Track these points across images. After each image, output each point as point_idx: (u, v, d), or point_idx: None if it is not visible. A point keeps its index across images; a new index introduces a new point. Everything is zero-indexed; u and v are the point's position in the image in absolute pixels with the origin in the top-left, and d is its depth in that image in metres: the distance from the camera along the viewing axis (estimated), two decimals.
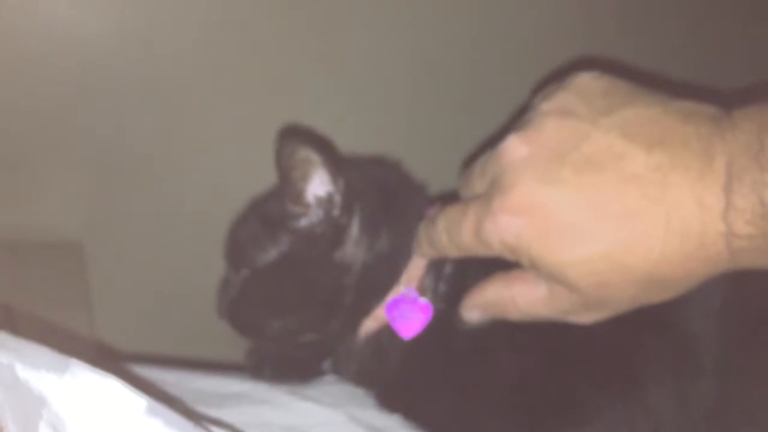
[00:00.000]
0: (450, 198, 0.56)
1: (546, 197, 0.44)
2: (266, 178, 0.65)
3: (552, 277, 0.46)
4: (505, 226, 0.46)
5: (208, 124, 0.82)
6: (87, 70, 0.76)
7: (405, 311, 0.60)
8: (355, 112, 0.89)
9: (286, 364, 0.65)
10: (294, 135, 0.60)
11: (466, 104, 0.94)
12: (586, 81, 0.48)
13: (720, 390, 0.56)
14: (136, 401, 0.44)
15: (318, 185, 0.59)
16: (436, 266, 0.61)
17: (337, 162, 0.59)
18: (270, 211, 0.63)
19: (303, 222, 0.60)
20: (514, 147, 0.47)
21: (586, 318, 0.49)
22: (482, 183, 0.50)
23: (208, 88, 0.81)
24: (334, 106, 0.87)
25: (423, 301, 0.60)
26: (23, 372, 0.40)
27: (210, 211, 0.81)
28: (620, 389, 0.57)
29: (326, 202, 0.60)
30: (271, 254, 0.61)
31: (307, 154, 0.58)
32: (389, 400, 0.63)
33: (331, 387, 0.64)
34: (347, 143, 0.79)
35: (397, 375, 0.62)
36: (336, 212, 0.60)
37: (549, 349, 0.57)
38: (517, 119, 0.50)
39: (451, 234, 0.52)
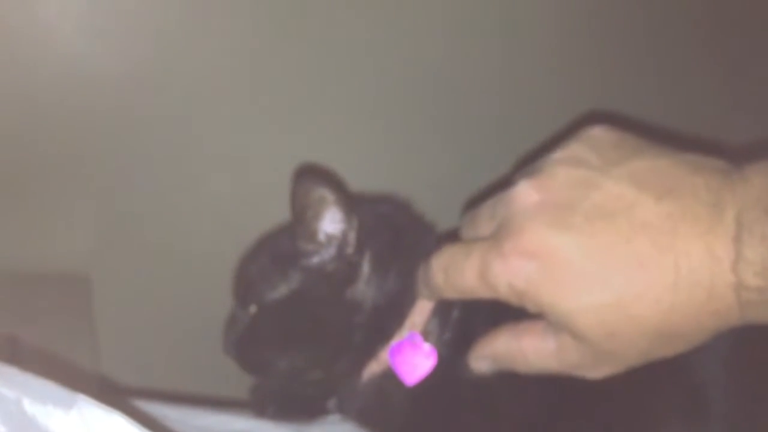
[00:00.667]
0: (449, 238, 0.56)
1: (557, 243, 0.44)
2: (276, 213, 0.66)
3: (560, 325, 0.46)
4: (515, 269, 0.46)
5: (217, 160, 0.83)
6: (98, 104, 0.77)
7: (409, 356, 0.59)
8: (361, 145, 0.90)
9: (289, 402, 0.64)
10: (309, 174, 0.60)
11: (469, 145, 0.94)
12: (597, 133, 0.48)
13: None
14: None
15: (331, 223, 0.59)
16: (442, 311, 0.60)
17: (350, 200, 0.59)
18: (281, 248, 0.62)
19: (315, 260, 0.60)
20: (526, 192, 0.47)
21: (597, 373, 0.48)
22: (489, 226, 0.50)
23: (218, 123, 0.82)
24: (342, 140, 0.88)
25: (427, 347, 0.59)
26: (30, 407, 0.40)
27: (218, 247, 0.81)
28: (625, 421, 0.56)
29: (339, 240, 0.59)
30: (281, 291, 0.60)
31: (321, 192, 0.58)
32: None
33: (334, 427, 0.64)
34: (352, 177, 0.80)
35: (400, 418, 0.61)
36: (349, 250, 0.59)
37: (554, 400, 0.57)
38: (521, 167, 0.50)
39: (450, 275, 0.51)
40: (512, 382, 0.55)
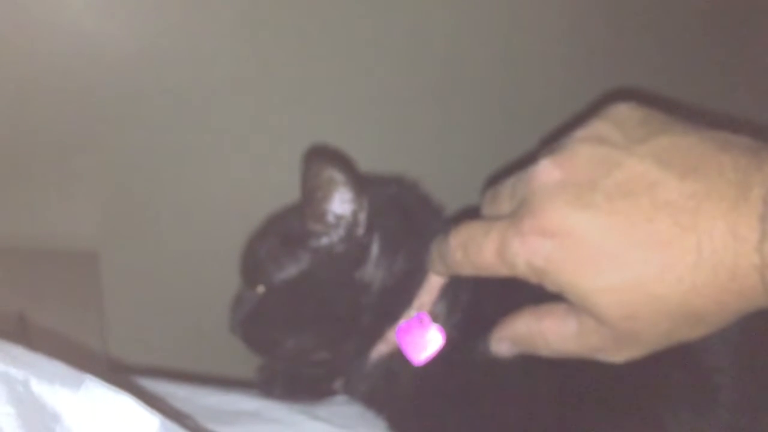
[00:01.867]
0: (461, 217, 0.55)
1: (578, 221, 0.44)
2: (284, 190, 0.66)
3: (580, 305, 0.45)
4: (534, 248, 0.45)
5: (225, 136, 0.83)
6: (106, 82, 0.76)
7: (416, 336, 0.59)
8: (370, 127, 0.89)
9: (296, 382, 0.64)
10: (319, 155, 0.59)
11: (483, 124, 0.94)
12: (622, 110, 0.48)
13: (733, 424, 0.55)
14: (149, 419, 0.44)
15: (341, 204, 0.59)
16: (451, 294, 0.60)
17: (360, 181, 0.59)
18: (290, 228, 0.62)
19: (324, 241, 0.60)
20: (548, 170, 0.46)
21: (619, 356, 0.48)
22: (510, 204, 0.49)
23: (226, 101, 0.81)
24: (350, 120, 0.87)
25: (435, 326, 0.59)
26: (38, 387, 0.40)
27: (226, 224, 0.81)
28: (635, 425, 0.56)
29: (349, 221, 0.59)
30: (289, 272, 0.60)
31: (331, 173, 0.58)
32: (399, 423, 0.62)
33: (341, 407, 0.64)
34: (361, 157, 0.79)
35: (408, 400, 0.61)
36: (359, 231, 0.59)
37: (563, 384, 0.57)
38: (543, 145, 0.49)
39: (469, 251, 0.51)
40: (521, 366, 0.56)
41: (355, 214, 0.59)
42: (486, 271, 0.50)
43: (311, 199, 0.59)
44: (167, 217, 0.84)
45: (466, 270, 0.52)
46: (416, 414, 0.61)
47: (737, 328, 0.54)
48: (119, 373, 0.65)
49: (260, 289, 0.62)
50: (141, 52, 0.77)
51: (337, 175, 0.58)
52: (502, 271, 0.49)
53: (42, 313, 0.70)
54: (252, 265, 0.64)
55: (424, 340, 0.60)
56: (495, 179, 0.53)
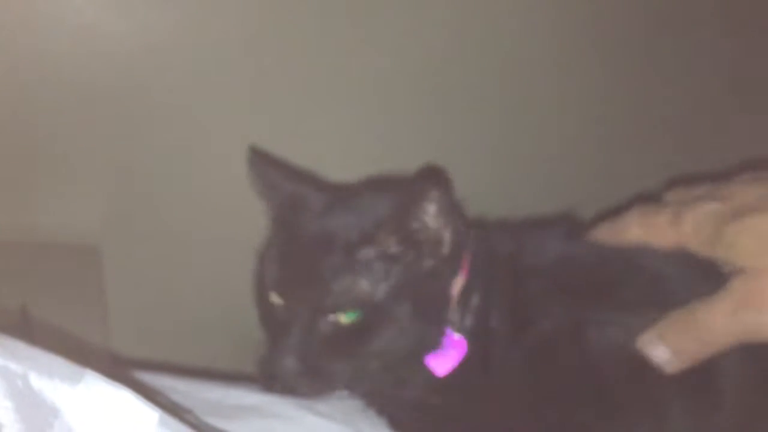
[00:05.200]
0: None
1: None
2: None
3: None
4: None
5: (228, 130, 0.83)
6: (108, 75, 0.77)
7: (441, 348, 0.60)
8: (370, 123, 0.89)
9: None
10: (431, 175, 0.59)
11: (483, 126, 0.93)
12: None
13: (735, 426, 0.56)
14: (149, 414, 0.44)
15: (433, 219, 0.58)
16: (462, 299, 0.60)
17: (453, 203, 0.60)
18: (360, 244, 0.58)
19: (410, 257, 0.59)
20: None
21: None
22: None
23: (229, 95, 0.81)
24: (350, 114, 0.87)
25: (457, 336, 0.60)
26: (37, 381, 0.40)
27: (228, 218, 0.81)
28: (635, 415, 0.57)
29: (437, 239, 0.59)
30: (383, 290, 0.57)
31: (436, 193, 0.57)
32: (401, 425, 0.62)
33: (342, 402, 0.64)
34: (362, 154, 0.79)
35: (415, 404, 0.61)
36: (445, 251, 0.59)
37: (568, 383, 0.59)
38: None
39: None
40: (528, 367, 0.59)
41: (444, 232, 0.59)
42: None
43: (405, 216, 0.58)
44: (169, 211, 0.84)
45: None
46: (423, 419, 0.62)
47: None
48: (121, 368, 0.65)
49: (339, 315, 0.57)
50: (144, 45, 0.77)
51: (436, 194, 0.57)
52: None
53: (44, 307, 0.71)
54: (312, 287, 0.57)
55: (447, 350, 0.60)
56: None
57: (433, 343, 0.60)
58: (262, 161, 0.65)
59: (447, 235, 0.59)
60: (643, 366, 0.57)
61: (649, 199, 0.62)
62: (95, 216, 0.81)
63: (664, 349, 0.54)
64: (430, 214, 0.58)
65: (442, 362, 0.60)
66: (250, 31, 0.80)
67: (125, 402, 0.44)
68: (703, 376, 0.56)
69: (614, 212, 0.62)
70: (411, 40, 0.86)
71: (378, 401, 0.64)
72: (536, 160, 0.95)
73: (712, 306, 0.52)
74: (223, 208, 0.84)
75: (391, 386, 0.61)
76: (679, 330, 0.53)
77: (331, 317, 0.57)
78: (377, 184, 0.70)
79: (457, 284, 0.61)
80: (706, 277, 0.56)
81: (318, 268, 0.57)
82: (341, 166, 0.77)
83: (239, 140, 0.82)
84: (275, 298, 0.60)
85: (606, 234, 0.61)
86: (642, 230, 0.59)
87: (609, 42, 0.95)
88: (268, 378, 0.65)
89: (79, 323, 0.73)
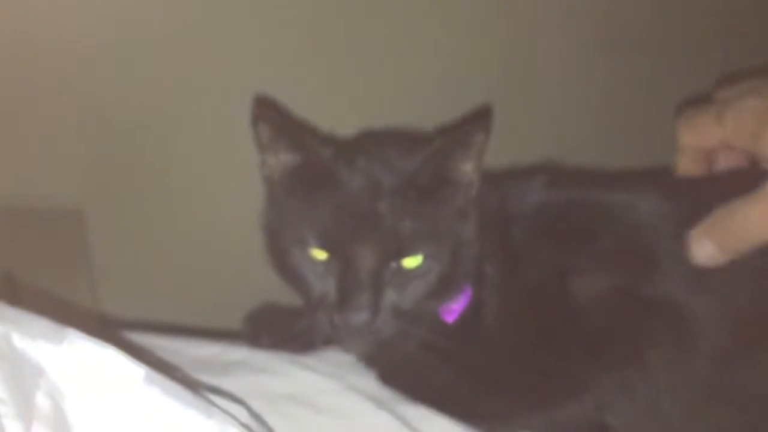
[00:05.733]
0: None
1: None
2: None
3: None
4: None
5: (211, 91, 0.81)
6: (87, 37, 0.75)
7: None
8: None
9: (283, 333, 0.64)
10: (481, 118, 0.58)
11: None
12: None
13: (712, 372, 0.58)
14: (135, 370, 0.45)
15: (471, 163, 0.58)
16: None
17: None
18: (415, 185, 0.58)
19: (458, 196, 0.59)
20: None
21: None
22: None
23: (209, 56, 0.80)
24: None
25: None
26: (20, 342, 0.41)
27: (212, 177, 0.81)
28: (617, 357, 0.59)
29: (471, 181, 0.59)
30: (434, 231, 0.58)
31: (482, 135, 0.57)
32: (393, 379, 0.63)
33: (330, 355, 0.65)
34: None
35: (412, 355, 0.61)
36: (473, 192, 0.60)
37: (549, 328, 0.60)
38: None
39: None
40: (509, 314, 0.61)
41: (476, 174, 0.59)
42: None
43: (448, 156, 0.58)
44: (152, 173, 0.83)
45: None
46: (414, 369, 0.62)
47: (728, 283, 0.58)
48: (108, 328, 0.66)
49: (413, 258, 0.57)
50: (124, 7, 0.75)
51: (484, 138, 0.57)
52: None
53: (30, 273, 0.70)
54: (399, 234, 0.56)
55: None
56: None
57: (462, 285, 0.61)
58: (272, 113, 0.61)
59: (477, 178, 0.59)
60: (623, 313, 0.59)
61: (698, 100, 0.62)
62: (78, 180, 0.80)
63: (709, 245, 0.56)
64: (471, 156, 0.58)
65: (451, 309, 0.62)
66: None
67: (110, 360, 0.44)
68: (680, 324, 0.58)
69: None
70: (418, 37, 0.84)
71: (372, 354, 0.64)
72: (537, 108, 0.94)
73: (753, 204, 0.54)
74: (208, 165, 0.83)
75: (407, 332, 0.59)
76: (722, 227, 0.55)
77: (396, 264, 0.57)
78: (390, 135, 0.69)
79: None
80: (690, 215, 0.58)
81: (377, 216, 0.56)
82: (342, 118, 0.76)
83: (223, 99, 0.81)
84: (318, 254, 0.57)
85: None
86: (689, 135, 0.60)
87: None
88: (255, 333, 0.66)
89: (65, 286, 0.73)
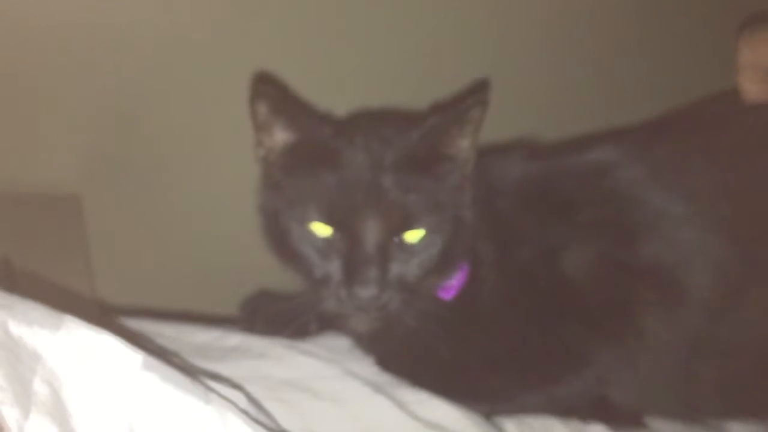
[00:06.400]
0: None
1: None
2: None
3: None
4: None
5: (207, 78, 0.81)
6: (86, 24, 0.74)
7: None
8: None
9: (278, 318, 0.64)
10: (479, 92, 0.58)
11: None
12: None
13: (702, 326, 0.60)
14: (132, 357, 0.45)
15: (467, 140, 0.59)
16: None
17: None
18: (417, 161, 0.58)
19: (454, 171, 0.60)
20: None
21: None
22: None
23: (204, 46, 0.79)
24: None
25: None
26: (16, 328, 0.40)
27: (210, 163, 0.80)
28: (615, 328, 0.61)
29: (467, 158, 0.60)
30: (436, 205, 0.58)
31: (480, 110, 0.57)
32: (390, 362, 0.63)
33: (328, 341, 0.65)
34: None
35: (411, 336, 0.61)
36: (468, 170, 0.60)
37: (545, 304, 0.61)
38: None
39: None
40: (508, 296, 0.61)
41: (472, 150, 0.59)
42: None
43: (447, 131, 0.58)
44: (150, 157, 0.82)
45: None
46: (411, 352, 0.62)
47: (709, 238, 0.60)
48: (106, 315, 0.65)
49: (417, 232, 0.57)
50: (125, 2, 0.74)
51: (481, 113, 0.57)
52: None
53: (27, 258, 0.70)
54: (402, 208, 0.56)
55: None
56: None
57: (461, 261, 0.61)
58: (271, 90, 0.60)
59: (473, 155, 0.59)
60: (612, 283, 0.61)
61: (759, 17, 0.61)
62: (77, 165, 0.80)
63: None
64: (468, 132, 0.58)
65: (450, 285, 0.62)
66: None
67: (108, 346, 0.44)
68: (668, 283, 0.60)
69: None
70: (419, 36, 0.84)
71: (373, 335, 0.64)
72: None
73: None
74: (206, 151, 0.83)
75: (410, 307, 0.59)
76: None
77: (399, 238, 0.56)
78: (387, 114, 0.69)
79: None
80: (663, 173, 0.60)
81: (382, 190, 0.56)
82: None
83: (222, 81, 0.81)
84: (323, 230, 0.57)
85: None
86: (748, 52, 0.60)
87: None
88: (250, 319, 0.66)
89: (63, 272, 0.73)
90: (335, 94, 0.74)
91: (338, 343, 0.65)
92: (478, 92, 0.59)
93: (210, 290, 0.77)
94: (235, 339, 0.63)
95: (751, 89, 0.61)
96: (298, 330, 0.64)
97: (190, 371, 0.51)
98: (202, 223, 0.78)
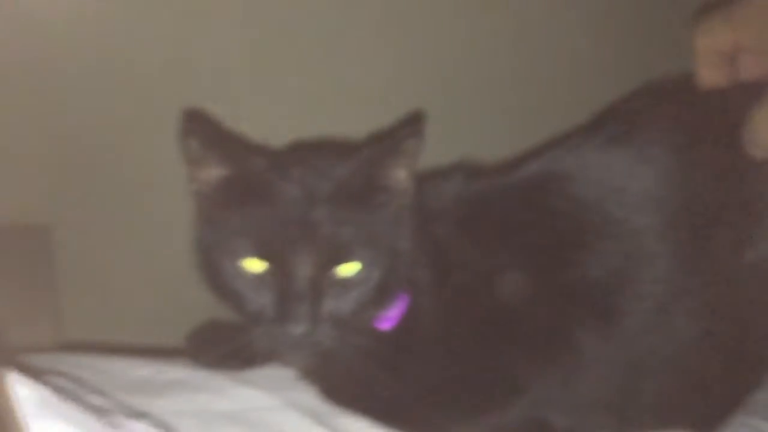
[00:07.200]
0: None
1: None
2: None
3: None
4: None
5: (175, 108, 0.80)
6: (52, 54, 0.74)
7: None
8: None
9: (224, 350, 0.61)
10: (413, 124, 0.57)
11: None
12: None
13: (637, 339, 0.59)
14: (31, 395, 0.43)
15: (404, 171, 0.58)
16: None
17: None
18: (355, 193, 0.57)
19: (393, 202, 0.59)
20: None
21: None
22: None
23: (174, 70, 0.79)
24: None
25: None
26: None
27: (177, 197, 0.79)
28: (551, 350, 0.60)
29: (405, 189, 0.59)
30: (371, 237, 0.57)
31: (417, 141, 0.57)
32: (335, 393, 0.61)
33: (274, 372, 0.63)
34: None
35: (354, 366, 0.59)
36: (406, 200, 0.59)
37: (482, 331, 0.60)
38: None
39: None
40: (449, 328, 0.60)
41: (407, 184, 0.59)
42: None
43: (381, 163, 0.58)
44: (119, 189, 0.82)
45: None
46: (356, 383, 0.60)
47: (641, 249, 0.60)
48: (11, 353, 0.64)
49: (351, 266, 0.56)
50: (85, 24, 0.74)
51: (416, 144, 0.57)
52: None
53: None
54: (336, 241, 0.55)
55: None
56: None
57: (399, 292, 0.60)
58: (202, 126, 0.60)
59: (411, 184, 0.59)
60: (547, 304, 0.60)
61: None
62: (46, 196, 0.80)
63: (756, 148, 0.56)
64: (404, 163, 0.57)
65: (388, 315, 0.60)
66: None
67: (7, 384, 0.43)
68: (602, 297, 0.59)
69: None
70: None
71: (313, 368, 0.62)
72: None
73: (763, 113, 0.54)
74: (174, 188, 0.82)
75: (347, 342, 0.57)
76: (754, 134, 0.55)
77: (334, 272, 0.55)
78: (323, 145, 0.67)
79: None
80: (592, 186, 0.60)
81: (314, 224, 0.55)
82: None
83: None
84: (256, 266, 0.55)
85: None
86: (703, 37, 0.59)
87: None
88: (195, 351, 0.64)
89: (29, 302, 0.73)
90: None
91: (284, 373, 0.63)
92: (412, 124, 0.58)
93: (180, 324, 0.76)
94: (175, 372, 0.61)
95: (708, 75, 0.60)
96: (244, 361, 0.62)
97: (101, 410, 0.50)
98: (172, 257, 0.77)
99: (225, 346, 0.61)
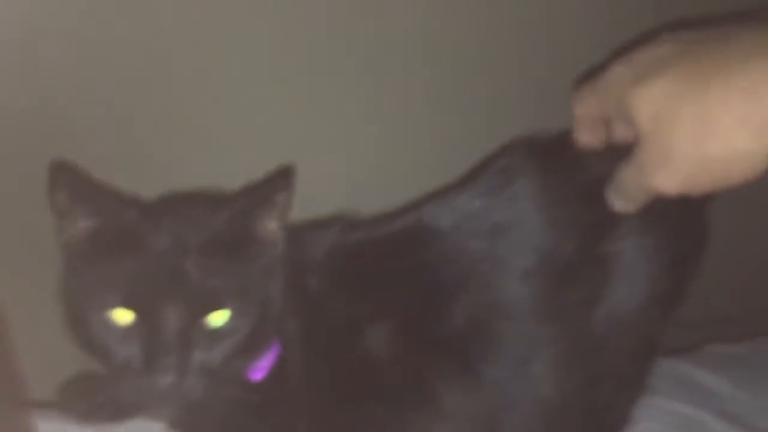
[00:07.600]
0: None
1: None
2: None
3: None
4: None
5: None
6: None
7: None
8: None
9: (97, 401, 0.63)
10: (282, 177, 0.58)
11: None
12: None
13: (501, 385, 0.61)
14: None
15: (276, 221, 0.60)
16: None
17: None
18: (224, 242, 0.57)
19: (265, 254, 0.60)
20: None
21: (659, 178, 0.52)
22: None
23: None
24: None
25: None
26: None
27: None
28: (412, 403, 0.61)
29: (275, 240, 0.60)
30: (241, 288, 0.57)
31: (286, 195, 0.58)
32: None
33: (141, 424, 0.63)
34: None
35: (226, 418, 0.59)
36: (278, 251, 0.60)
37: (349, 384, 0.61)
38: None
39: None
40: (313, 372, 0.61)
41: (280, 234, 0.60)
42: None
43: (252, 214, 0.59)
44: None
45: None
46: None
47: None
48: None
49: (221, 315, 0.56)
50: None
51: (287, 197, 0.59)
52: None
53: None
54: (206, 291, 0.56)
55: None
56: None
57: (270, 342, 0.60)
58: (68, 179, 0.58)
59: (282, 236, 0.59)
60: (412, 356, 0.61)
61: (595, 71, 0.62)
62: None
63: (618, 201, 0.59)
64: (274, 215, 0.58)
65: (259, 365, 0.60)
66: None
67: None
68: (464, 351, 0.61)
69: None
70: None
71: (182, 420, 0.62)
72: None
73: (627, 171, 0.56)
74: None
75: (216, 393, 0.57)
76: (618, 189, 0.58)
77: (203, 322, 0.55)
78: (195, 196, 0.67)
79: None
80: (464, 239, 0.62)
81: (183, 274, 0.55)
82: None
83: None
84: (123, 317, 0.55)
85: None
86: (576, 104, 0.61)
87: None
88: (66, 405, 0.66)
89: None
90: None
91: (153, 426, 0.63)
92: (282, 177, 0.58)
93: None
94: (45, 426, 0.63)
95: (584, 138, 0.62)
96: (114, 413, 0.63)
97: None
98: None
99: (95, 398, 0.62)
